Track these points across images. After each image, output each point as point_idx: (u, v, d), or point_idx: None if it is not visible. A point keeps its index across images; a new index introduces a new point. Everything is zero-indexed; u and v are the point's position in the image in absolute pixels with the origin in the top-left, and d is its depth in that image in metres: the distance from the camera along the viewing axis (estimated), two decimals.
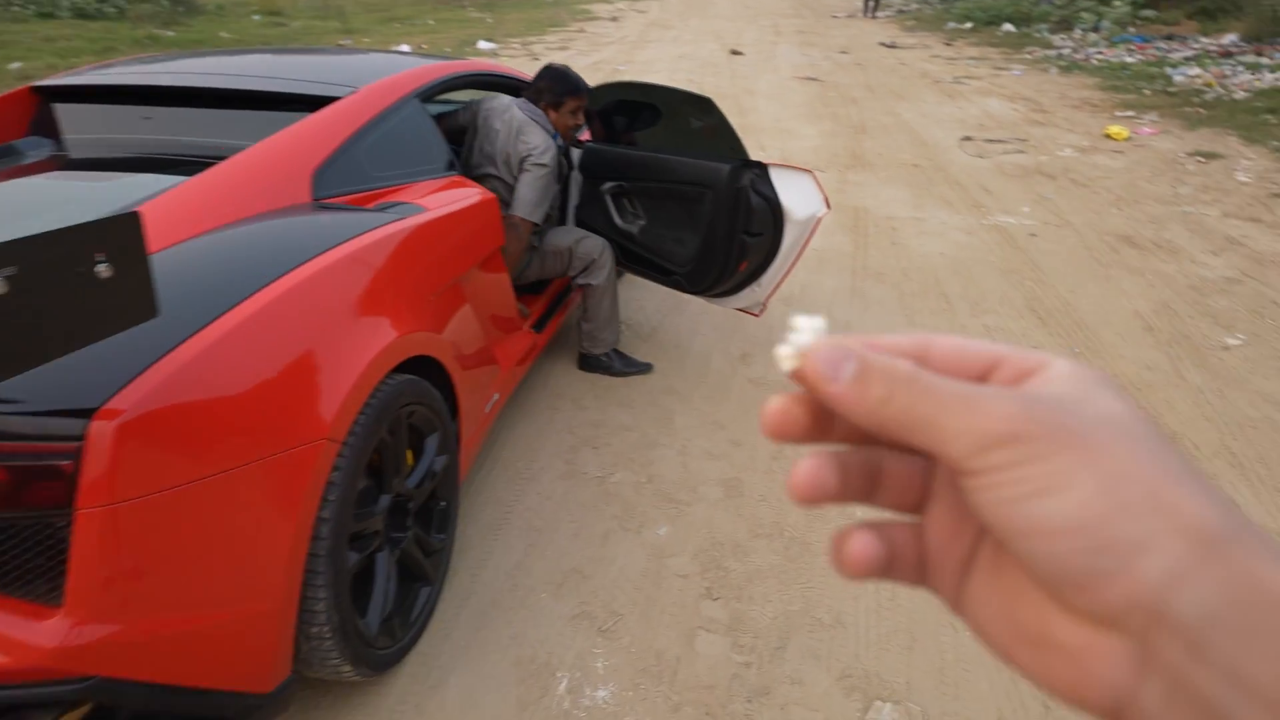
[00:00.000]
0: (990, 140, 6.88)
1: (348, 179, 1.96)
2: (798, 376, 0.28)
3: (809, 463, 0.29)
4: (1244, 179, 5.58)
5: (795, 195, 2.59)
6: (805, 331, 0.28)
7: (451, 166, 2.35)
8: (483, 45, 12.68)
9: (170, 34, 13.22)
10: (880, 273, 3.97)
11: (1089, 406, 0.26)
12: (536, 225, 2.61)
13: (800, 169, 2.62)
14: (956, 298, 3.70)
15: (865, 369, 0.27)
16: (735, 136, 2.71)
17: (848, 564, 0.29)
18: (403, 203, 1.99)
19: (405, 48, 12.05)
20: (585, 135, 3.24)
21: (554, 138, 2.65)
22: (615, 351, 3.00)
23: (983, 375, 0.29)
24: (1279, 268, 4.03)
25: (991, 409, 0.25)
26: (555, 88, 2.70)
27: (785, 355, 0.28)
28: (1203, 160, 6.07)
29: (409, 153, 2.22)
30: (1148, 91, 8.72)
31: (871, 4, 18.69)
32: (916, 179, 5.74)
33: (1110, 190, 5.40)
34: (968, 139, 6.93)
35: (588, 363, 3.00)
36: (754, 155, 2.74)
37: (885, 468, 0.31)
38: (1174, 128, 7.15)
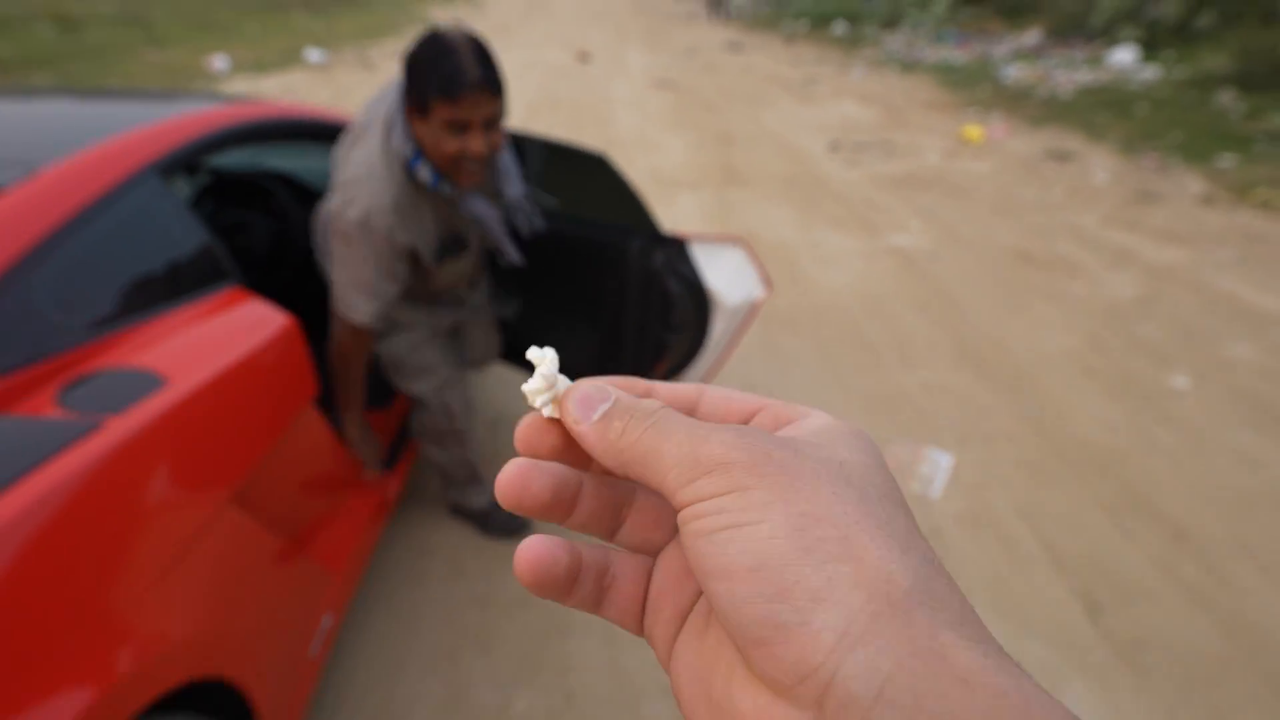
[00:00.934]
0: (857, 147, 6.69)
1: (8, 343, 1.17)
2: (556, 415, 0.30)
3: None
4: (1102, 179, 5.64)
5: (724, 275, 2.01)
6: (545, 362, 0.30)
7: (220, 273, 1.58)
8: (311, 56, 11.37)
9: None
10: (790, 318, 3.51)
11: (817, 450, 0.26)
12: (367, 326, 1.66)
13: (730, 240, 2.06)
14: (882, 347, 3.30)
15: (612, 409, 0.28)
16: (638, 202, 2.00)
17: (520, 564, 0.28)
18: (123, 370, 1.23)
19: (221, 60, 10.57)
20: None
21: (411, 163, 1.59)
22: (495, 503, 2.14)
23: (744, 421, 0.30)
24: (1177, 282, 3.94)
25: (710, 438, 0.25)
26: (416, 75, 1.51)
27: (534, 390, 0.29)
28: (1058, 161, 6.13)
29: (140, 270, 1.44)
30: (984, 91, 8.95)
31: (723, 6, 18.82)
32: (797, 194, 5.40)
33: (987, 199, 5.27)
34: (835, 146, 6.71)
35: (457, 510, 2.25)
36: (627, 174, 2.07)
37: (635, 502, 0.31)
38: (1020, 127, 7.27)
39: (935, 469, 2.60)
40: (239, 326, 1.44)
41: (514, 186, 1.82)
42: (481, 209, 1.72)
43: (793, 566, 0.22)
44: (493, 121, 1.54)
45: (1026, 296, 3.79)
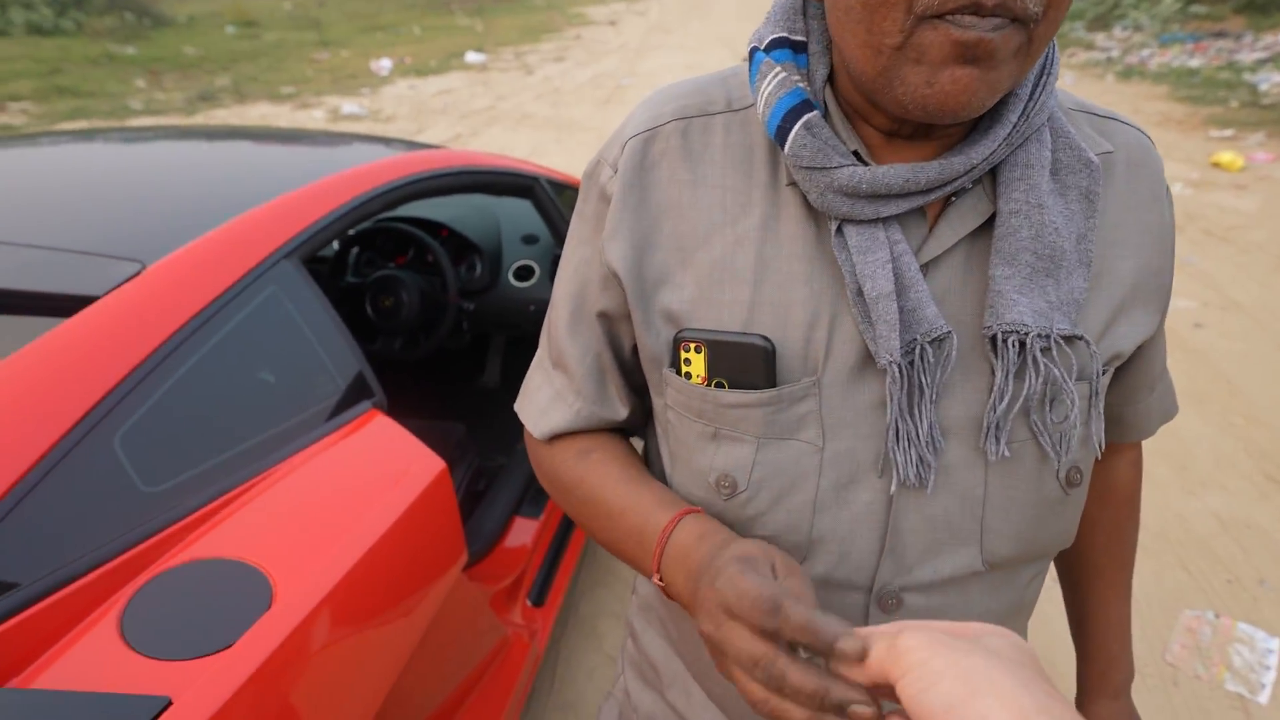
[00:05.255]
0: None
1: (68, 532, 0.82)
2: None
3: None
4: None
5: None
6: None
7: (364, 388, 1.21)
8: (471, 57, 11.53)
9: (130, 50, 12.09)
10: None
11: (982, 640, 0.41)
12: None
13: None
14: (1149, 456, 2.55)
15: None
16: None
17: None
18: (215, 566, 0.86)
19: (385, 62, 10.90)
20: None
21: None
22: None
23: None
24: None
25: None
26: None
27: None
28: None
29: (256, 404, 1.08)
30: (1235, 103, 7.57)
31: None
32: None
33: (1262, 247, 4.26)
34: None
35: None
36: None
37: None
38: None
39: (1258, 658, 1.88)
40: (376, 481, 1.05)
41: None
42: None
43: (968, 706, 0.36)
44: None
45: None
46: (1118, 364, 0.62)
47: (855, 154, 0.56)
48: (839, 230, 0.55)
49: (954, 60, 0.46)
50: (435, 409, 2.38)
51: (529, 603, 1.65)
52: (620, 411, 0.70)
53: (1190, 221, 4.69)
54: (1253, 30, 11.48)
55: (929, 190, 0.54)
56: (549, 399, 0.72)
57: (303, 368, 1.16)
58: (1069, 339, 0.56)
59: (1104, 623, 0.83)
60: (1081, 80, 9.42)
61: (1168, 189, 0.65)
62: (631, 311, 0.62)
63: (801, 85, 0.56)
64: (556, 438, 0.72)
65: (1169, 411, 0.76)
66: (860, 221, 0.55)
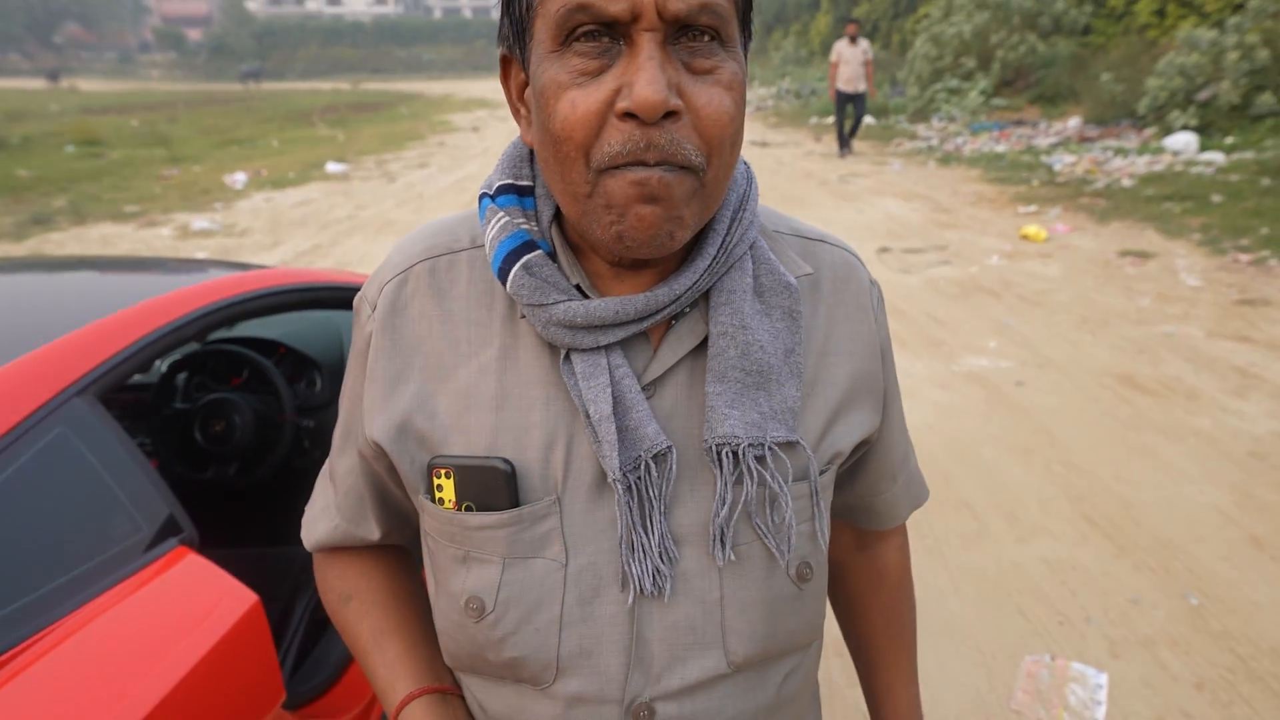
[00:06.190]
0: (909, 250, 6.26)
1: None
2: None
3: None
4: (1193, 282, 5.10)
5: None
6: None
7: (171, 526, 1.15)
8: (332, 167, 11.47)
9: None
10: None
11: None
12: None
13: None
14: (983, 507, 2.74)
15: None
16: None
17: None
18: None
19: (240, 176, 10.67)
20: None
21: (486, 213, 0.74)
22: None
23: None
24: None
25: None
26: None
27: None
28: (1138, 260, 5.62)
29: (49, 544, 1.01)
30: (1035, 182, 8.55)
31: (848, 135, 11.45)
32: None
33: (1068, 308, 4.76)
34: (885, 250, 6.30)
35: None
36: None
37: None
38: (1085, 223, 6.81)
39: (1089, 694, 2.01)
40: (178, 623, 1.00)
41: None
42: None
43: None
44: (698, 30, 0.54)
45: (1145, 434, 3.23)
46: (840, 461, 0.67)
47: (578, 287, 0.61)
48: (566, 357, 0.60)
49: (636, 200, 0.52)
50: (286, 534, 2.26)
51: None
52: (374, 533, 0.72)
53: (1006, 289, 5.20)
54: (1045, 118, 13.11)
55: (641, 319, 0.59)
56: (320, 510, 0.75)
57: (97, 510, 1.10)
58: (785, 445, 0.61)
59: (893, 705, 0.85)
60: (908, 166, 10.40)
61: (878, 300, 0.71)
62: (390, 455, 0.65)
63: (525, 227, 0.61)
64: (325, 550, 0.74)
65: (918, 498, 0.81)
66: (584, 350, 0.59)
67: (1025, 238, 6.44)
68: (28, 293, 1.56)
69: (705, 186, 0.55)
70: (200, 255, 6.63)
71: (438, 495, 0.62)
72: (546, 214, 0.62)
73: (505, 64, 0.61)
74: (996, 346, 4.24)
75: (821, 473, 0.65)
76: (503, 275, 0.60)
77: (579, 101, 0.52)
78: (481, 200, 0.64)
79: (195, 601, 1.07)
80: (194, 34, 59.89)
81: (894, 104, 15.66)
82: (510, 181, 0.63)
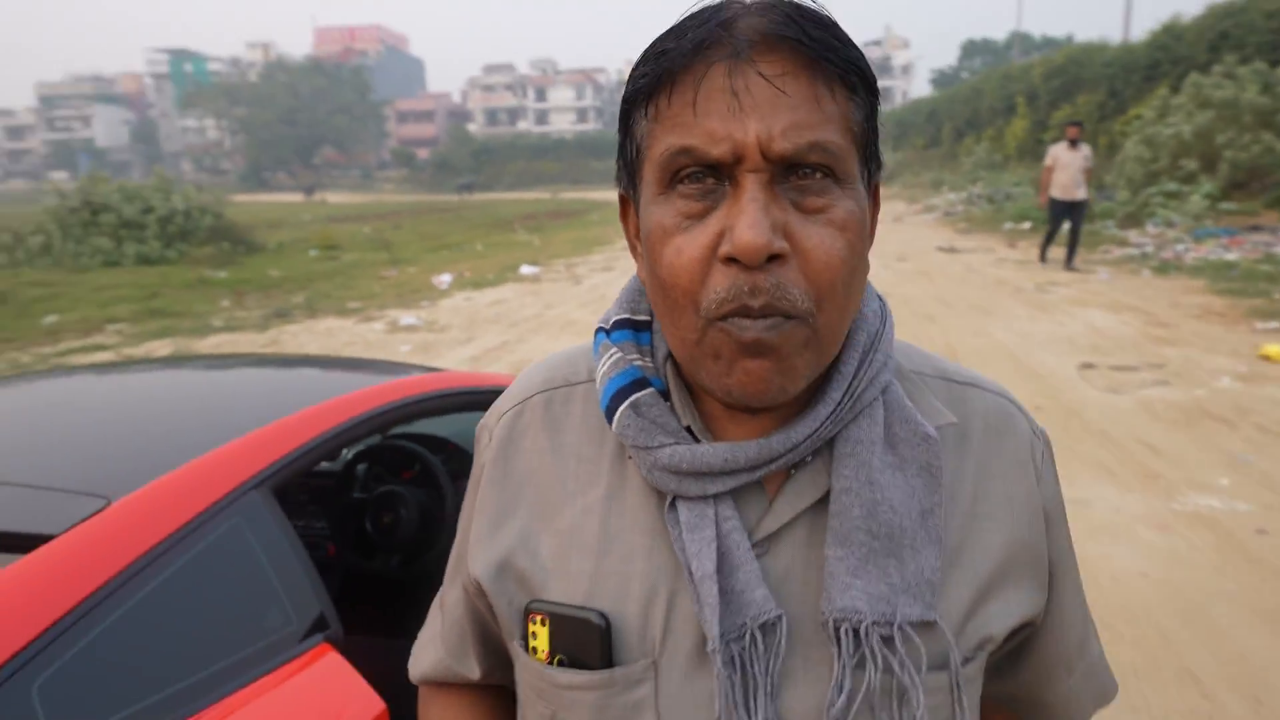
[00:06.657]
0: (1119, 367, 5.66)
1: None
2: None
3: None
4: None
5: None
6: None
7: (319, 622, 1.19)
8: (525, 270, 12.40)
9: (222, 274, 13.34)
10: None
11: None
12: None
13: None
14: (1215, 684, 2.28)
15: None
16: None
17: None
18: None
19: (446, 277, 11.77)
20: None
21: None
22: None
23: None
24: None
25: None
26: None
27: None
28: None
29: (197, 637, 1.07)
30: (1277, 295, 7.54)
31: (1068, 251, 10.22)
32: (1047, 429, 4.48)
33: None
34: (1088, 366, 5.73)
35: None
36: None
37: None
38: None
39: None
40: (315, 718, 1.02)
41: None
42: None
43: None
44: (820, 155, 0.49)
45: None
46: (990, 647, 0.57)
47: (689, 429, 0.56)
48: (672, 505, 0.55)
49: (743, 355, 0.49)
50: None
51: None
52: (474, 671, 0.68)
53: (1242, 417, 4.52)
54: None
55: (753, 468, 0.54)
56: (427, 639, 0.73)
57: (257, 600, 1.16)
58: (920, 625, 0.52)
59: None
60: (1117, 275, 9.57)
61: (1042, 454, 0.62)
62: (488, 594, 0.62)
63: (638, 364, 0.58)
64: (429, 684, 0.72)
65: (1103, 693, 0.67)
66: (691, 498, 0.55)
67: (1266, 358, 5.62)
68: (234, 388, 1.75)
69: (818, 334, 0.50)
70: (404, 348, 7.29)
71: (531, 644, 0.58)
72: (662, 350, 0.59)
73: (624, 204, 0.61)
74: (1230, 485, 3.65)
75: (965, 662, 0.55)
76: (610, 414, 0.57)
77: (684, 247, 0.50)
78: (597, 335, 0.62)
79: (329, 700, 1.09)
80: (423, 153, 68.46)
81: (1101, 209, 14.61)
82: (627, 316, 0.61)
